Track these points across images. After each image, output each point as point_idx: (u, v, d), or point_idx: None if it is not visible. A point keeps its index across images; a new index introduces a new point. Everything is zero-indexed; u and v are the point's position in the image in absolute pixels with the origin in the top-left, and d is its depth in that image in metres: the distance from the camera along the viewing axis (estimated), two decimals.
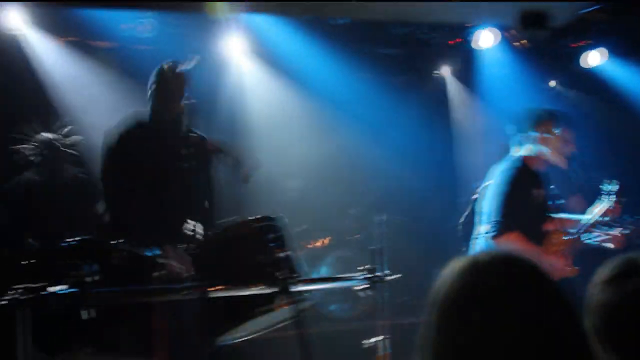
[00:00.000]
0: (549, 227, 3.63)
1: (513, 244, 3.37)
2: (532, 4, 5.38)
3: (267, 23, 5.88)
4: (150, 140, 3.49)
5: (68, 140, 4.91)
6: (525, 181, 3.54)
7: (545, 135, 3.57)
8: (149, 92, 3.56)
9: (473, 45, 6.43)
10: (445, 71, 7.12)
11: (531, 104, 4.08)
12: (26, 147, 4.76)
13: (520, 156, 3.61)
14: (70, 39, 5.68)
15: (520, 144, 3.65)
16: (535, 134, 3.59)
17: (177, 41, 5.54)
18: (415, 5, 5.52)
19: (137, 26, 5.48)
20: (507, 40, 6.52)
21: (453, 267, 1.12)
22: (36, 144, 4.76)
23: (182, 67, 3.51)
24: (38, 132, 4.84)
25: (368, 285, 2.83)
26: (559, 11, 5.96)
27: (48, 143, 4.76)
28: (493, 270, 1.08)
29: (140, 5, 5.39)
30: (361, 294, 2.68)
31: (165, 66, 3.51)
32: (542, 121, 3.60)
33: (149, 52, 5.46)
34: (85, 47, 5.72)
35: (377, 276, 2.80)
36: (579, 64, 6.79)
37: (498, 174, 3.59)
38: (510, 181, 3.49)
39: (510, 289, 1.05)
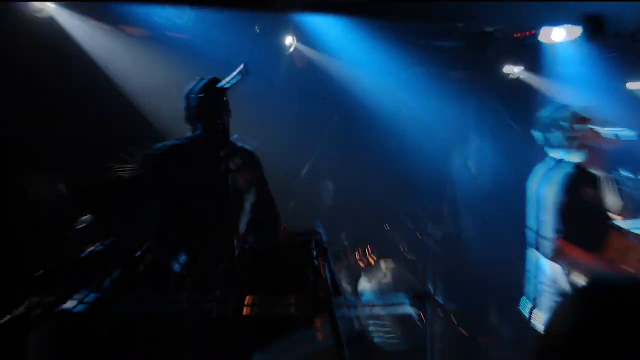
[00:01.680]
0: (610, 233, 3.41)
1: (571, 254, 3.08)
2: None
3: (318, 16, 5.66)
4: (192, 157, 3.37)
5: None
6: (583, 187, 3.30)
7: (583, 133, 3.32)
8: (192, 107, 3.39)
9: (541, 39, 5.91)
10: (511, 67, 6.49)
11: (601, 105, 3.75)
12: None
13: (574, 163, 3.36)
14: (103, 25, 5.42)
15: (560, 147, 3.35)
16: (573, 134, 3.21)
17: (213, 31, 5.31)
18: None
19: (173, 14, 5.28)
20: (583, 36, 5.89)
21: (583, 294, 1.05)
22: None
23: (225, 82, 3.19)
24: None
25: (417, 313, 2.51)
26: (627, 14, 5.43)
27: None
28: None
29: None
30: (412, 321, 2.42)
31: (206, 82, 3.35)
32: (577, 119, 3.32)
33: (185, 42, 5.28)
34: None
35: (428, 303, 2.46)
36: None
37: (553, 183, 3.21)
38: (567, 190, 3.24)
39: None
